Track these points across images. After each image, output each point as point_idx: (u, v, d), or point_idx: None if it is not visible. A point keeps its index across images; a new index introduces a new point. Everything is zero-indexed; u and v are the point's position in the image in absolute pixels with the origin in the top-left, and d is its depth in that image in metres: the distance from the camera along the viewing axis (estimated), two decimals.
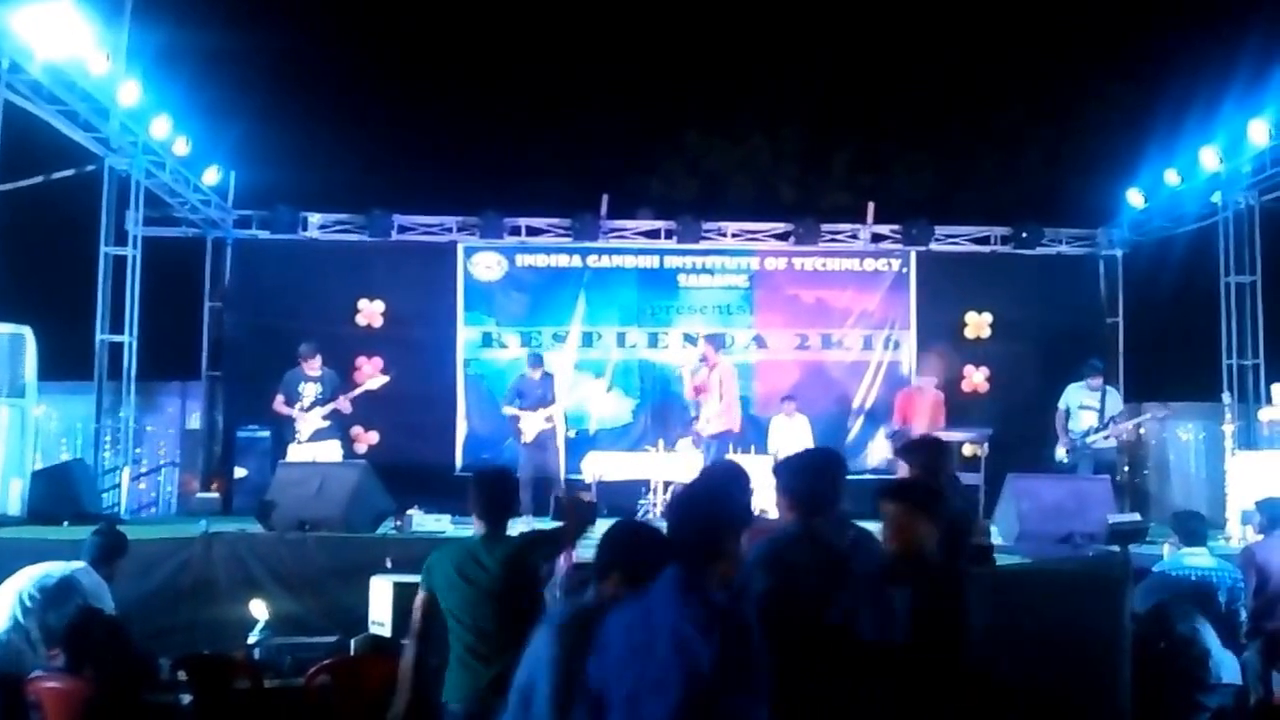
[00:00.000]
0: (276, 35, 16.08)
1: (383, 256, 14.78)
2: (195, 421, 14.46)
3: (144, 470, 13.70)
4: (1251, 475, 10.42)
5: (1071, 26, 18.95)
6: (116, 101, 10.88)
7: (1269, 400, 11.77)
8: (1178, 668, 6.43)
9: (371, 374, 13.31)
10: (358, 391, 12.18)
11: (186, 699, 6.15)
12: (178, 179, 12.99)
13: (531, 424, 12.36)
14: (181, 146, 12.32)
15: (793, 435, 13.17)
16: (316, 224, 14.76)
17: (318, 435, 11.78)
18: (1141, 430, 13.67)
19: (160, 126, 11.73)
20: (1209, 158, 12.48)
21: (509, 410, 12.64)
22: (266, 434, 13.22)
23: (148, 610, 7.88)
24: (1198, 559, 7.04)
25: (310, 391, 11.91)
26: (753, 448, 12.96)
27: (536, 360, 12.90)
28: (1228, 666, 6.57)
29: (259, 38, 15.56)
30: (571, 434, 12.48)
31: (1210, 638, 6.56)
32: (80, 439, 12.77)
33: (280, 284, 14.49)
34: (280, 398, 11.98)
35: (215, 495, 13.23)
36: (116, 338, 12.06)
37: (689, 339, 14.74)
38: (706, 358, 12.60)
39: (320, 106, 17.56)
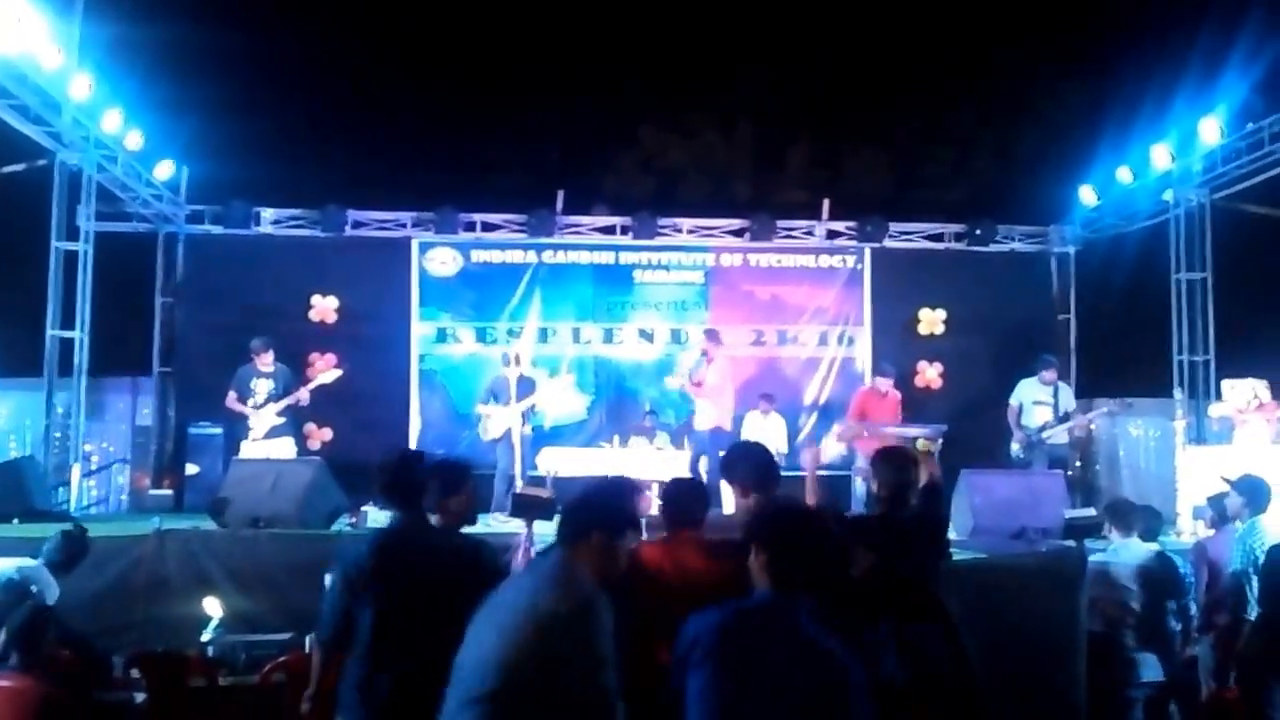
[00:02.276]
0: (230, 29, 15.92)
1: (337, 252, 14.69)
2: (147, 418, 14.32)
3: (95, 467, 13.54)
4: (1202, 470, 10.53)
5: (1023, 24, 19.09)
6: (68, 95, 10.77)
7: (1219, 396, 11.91)
8: (1101, 663, 6.51)
9: (324, 369, 13.19)
10: (311, 385, 12.05)
11: (140, 697, 6.10)
12: (130, 173, 12.87)
13: (500, 421, 12.20)
14: (134, 140, 12.21)
15: (767, 434, 13.13)
16: (270, 219, 14.64)
17: (272, 433, 11.64)
18: (1093, 425, 13.80)
19: (112, 120, 11.62)
20: (1161, 156, 12.66)
21: (483, 409, 12.47)
22: (219, 431, 13.09)
23: (100, 608, 7.80)
24: (1129, 552, 6.99)
25: (263, 388, 11.77)
26: None
27: (515, 360, 12.54)
28: (1148, 665, 6.63)
29: (212, 31, 15.39)
30: (528, 430, 12.40)
31: (1126, 638, 6.62)
32: (30, 436, 12.62)
33: (233, 279, 14.35)
34: (232, 394, 11.83)
35: (168, 492, 13.07)
36: (67, 333, 11.92)
37: (644, 335, 14.78)
38: (707, 353, 12.60)
39: (274, 101, 17.40)
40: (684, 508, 4.90)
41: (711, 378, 12.42)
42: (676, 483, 5.16)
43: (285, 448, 11.72)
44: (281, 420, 11.73)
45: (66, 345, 11.96)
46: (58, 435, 12.00)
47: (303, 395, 11.79)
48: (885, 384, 12.68)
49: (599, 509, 4.07)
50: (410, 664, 4.63)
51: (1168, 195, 13.17)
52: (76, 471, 12.07)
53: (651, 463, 12.27)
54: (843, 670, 3.35)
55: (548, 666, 3.58)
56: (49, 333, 11.80)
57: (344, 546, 5.02)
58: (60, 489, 11.73)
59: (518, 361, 12.40)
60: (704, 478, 11.10)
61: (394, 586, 4.75)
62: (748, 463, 5.02)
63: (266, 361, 11.86)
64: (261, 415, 11.66)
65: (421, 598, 4.72)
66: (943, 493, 5.76)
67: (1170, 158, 12.60)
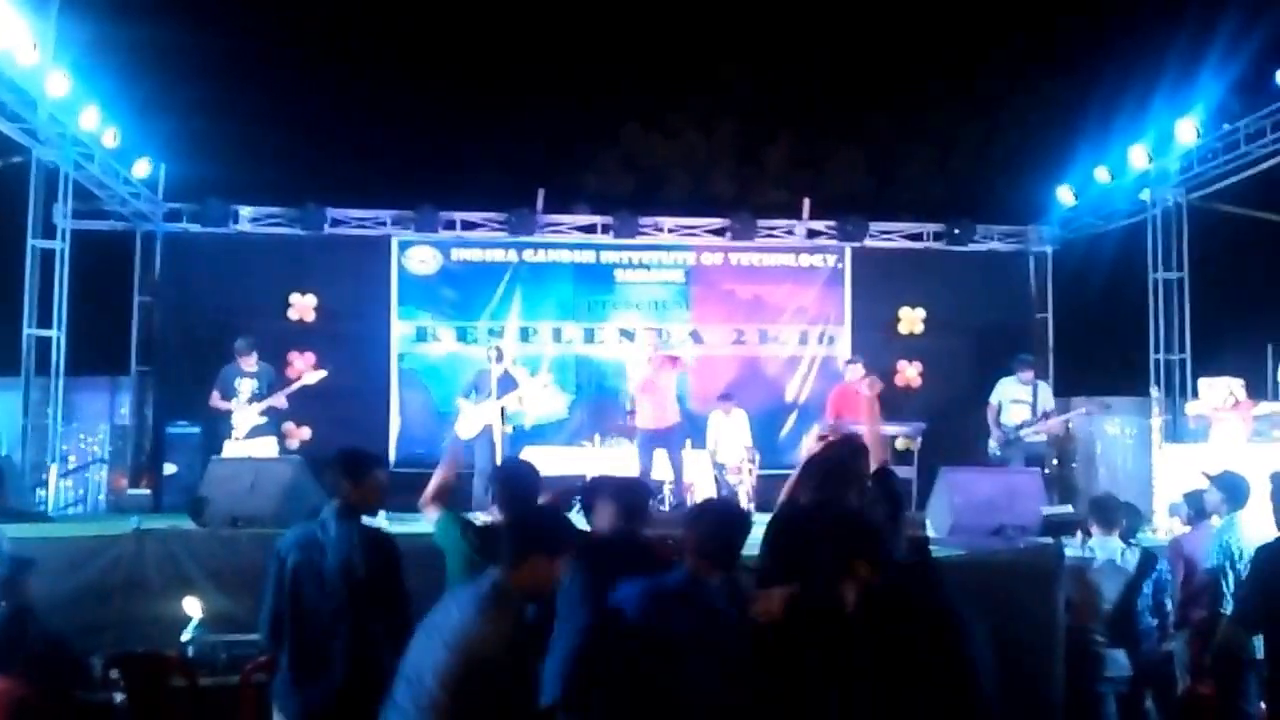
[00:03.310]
0: (208, 26, 15.89)
1: (316, 250, 14.63)
2: (124, 418, 14.23)
3: (72, 467, 13.45)
4: (1178, 468, 10.61)
5: (1002, 24, 19.18)
6: (45, 92, 10.68)
7: (1195, 395, 11.98)
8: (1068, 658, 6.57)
9: (304, 369, 13.16)
10: (295, 386, 12.04)
11: (120, 698, 6.07)
12: (107, 171, 12.78)
13: (478, 417, 12.16)
14: (111, 138, 12.12)
15: (731, 431, 13.21)
16: (248, 217, 14.58)
17: (255, 432, 11.63)
18: (1070, 424, 13.88)
19: (89, 118, 11.53)
20: (1138, 156, 12.74)
21: (462, 404, 12.45)
22: (197, 430, 13.04)
23: (77, 608, 7.72)
24: (1106, 549, 7.02)
25: (247, 387, 11.76)
26: (689, 442, 13.03)
27: (499, 356, 12.54)
28: (1117, 660, 6.68)
29: (190, 28, 15.37)
30: (508, 429, 12.40)
31: (1094, 634, 6.67)
32: (6, 435, 12.52)
33: (211, 278, 14.29)
34: (216, 394, 11.82)
35: (147, 492, 13.02)
36: (44, 332, 11.83)
37: (625, 334, 14.78)
38: (675, 357, 12.61)
39: (253, 98, 17.35)
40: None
41: (662, 379, 12.35)
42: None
43: (268, 447, 11.70)
44: (265, 419, 11.73)
45: (44, 344, 11.87)
46: (34, 435, 11.93)
47: (279, 400, 11.78)
48: (856, 372, 12.75)
49: (539, 529, 4.09)
50: (327, 662, 4.70)
51: (1145, 195, 13.25)
52: (54, 471, 12.00)
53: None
54: (744, 639, 3.86)
55: (479, 695, 3.66)
56: (26, 331, 11.71)
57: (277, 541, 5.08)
58: (38, 489, 11.66)
59: (500, 359, 12.38)
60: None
61: (308, 581, 4.85)
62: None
63: (250, 362, 11.85)
64: (245, 414, 11.65)
65: (332, 592, 4.82)
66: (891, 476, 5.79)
67: (1147, 158, 12.68)
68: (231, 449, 11.51)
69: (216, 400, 11.80)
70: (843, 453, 5.42)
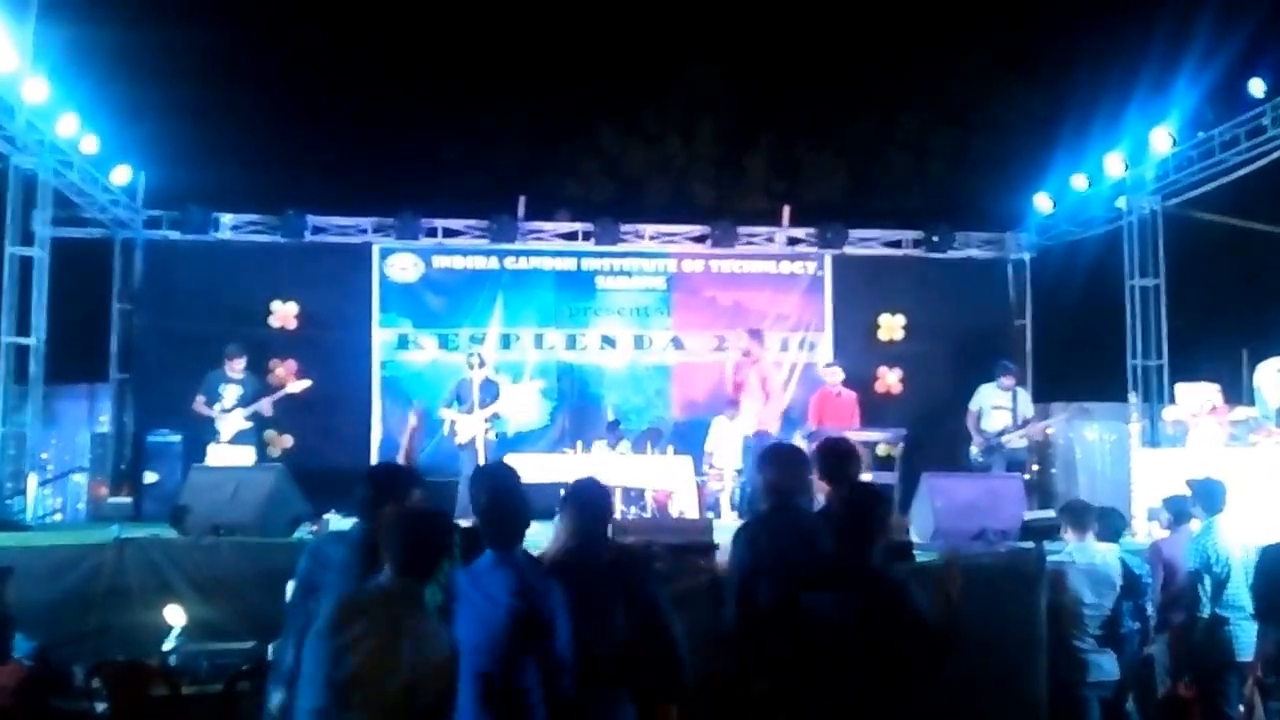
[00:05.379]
0: (188, 33, 15.83)
1: (297, 258, 14.60)
2: (104, 425, 14.17)
3: (51, 475, 13.39)
4: (1156, 473, 10.67)
5: (979, 31, 19.28)
6: (22, 99, 10.64)
7: (1173, 400, 12.06)
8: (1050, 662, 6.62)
9: (286, 376, 13.18)
10: (280, 394, 12.05)
11: (101, 707, 6.05)
12: (86, 178, 12.72)
13: (467, 427, 12.15)
14: (90, 145, 12.08)
15: (733, 438, 13.17)
16: (229, 224, 14.53)
17: (238, 438, 11.64)
18: (1049, 430, 13.95)
19: (68, 124, 11.49)
20: (1114, 164, 12.84)
21: (446, 413, 12.43)
22: (177, 438, 12.97)
23: (59, 617, 7.70)
24: (1086, 554, 7.04)
25: (231, 393, 11.79)
26: (671, 448, 13.03)
27: (480, 362, 12.53)
28: (1102, 664, 6.73)
29: (170, 35, 15.31)
30: (492, 435, 12.39)
31: (1078, 638, 6.72)
32: None
33: (191, 285, 14.23)
34: (200, 398, 11.83)
35: (127, 500, 12.94)
36: (23, 340, 11.74)
37: (607, 340, 14.80)
38: (749, 353, 12.59)
39: (233, 105, 17.33)
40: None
41: (753, 378, 12.39)
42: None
43: (246, 455, 11.69)
44: (248, 425, 11.74)
45: (22, 352, 11.79)
46: (12, 443, 11.86)
47: (265, 407, 11.79)
48: (836, 375, 12.82)
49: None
50: None
51: (1121, 202, 13.35)
52: (33, 480, 11.92)
53: (629, 468, 12.32)
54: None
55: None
56: (4, 340, 11.60)
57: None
58: (17, 498, 11.59)
59: (481, 364, 12.36)
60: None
61: None
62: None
63: (237, 368, 11.92)
64: (229, 420, 11.65)
65: None
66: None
67: (1123, 166, 12.79)
68: (215, 454, 11.50)
69: (200, 405, 11.81)
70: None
